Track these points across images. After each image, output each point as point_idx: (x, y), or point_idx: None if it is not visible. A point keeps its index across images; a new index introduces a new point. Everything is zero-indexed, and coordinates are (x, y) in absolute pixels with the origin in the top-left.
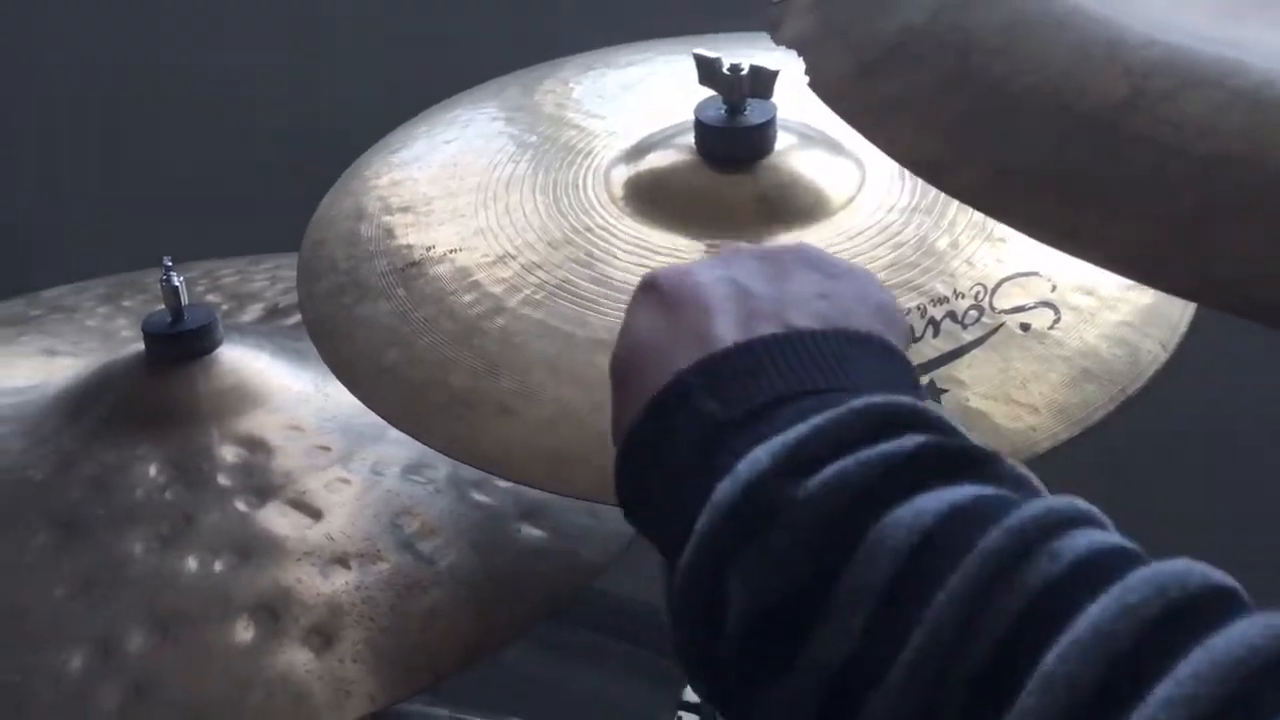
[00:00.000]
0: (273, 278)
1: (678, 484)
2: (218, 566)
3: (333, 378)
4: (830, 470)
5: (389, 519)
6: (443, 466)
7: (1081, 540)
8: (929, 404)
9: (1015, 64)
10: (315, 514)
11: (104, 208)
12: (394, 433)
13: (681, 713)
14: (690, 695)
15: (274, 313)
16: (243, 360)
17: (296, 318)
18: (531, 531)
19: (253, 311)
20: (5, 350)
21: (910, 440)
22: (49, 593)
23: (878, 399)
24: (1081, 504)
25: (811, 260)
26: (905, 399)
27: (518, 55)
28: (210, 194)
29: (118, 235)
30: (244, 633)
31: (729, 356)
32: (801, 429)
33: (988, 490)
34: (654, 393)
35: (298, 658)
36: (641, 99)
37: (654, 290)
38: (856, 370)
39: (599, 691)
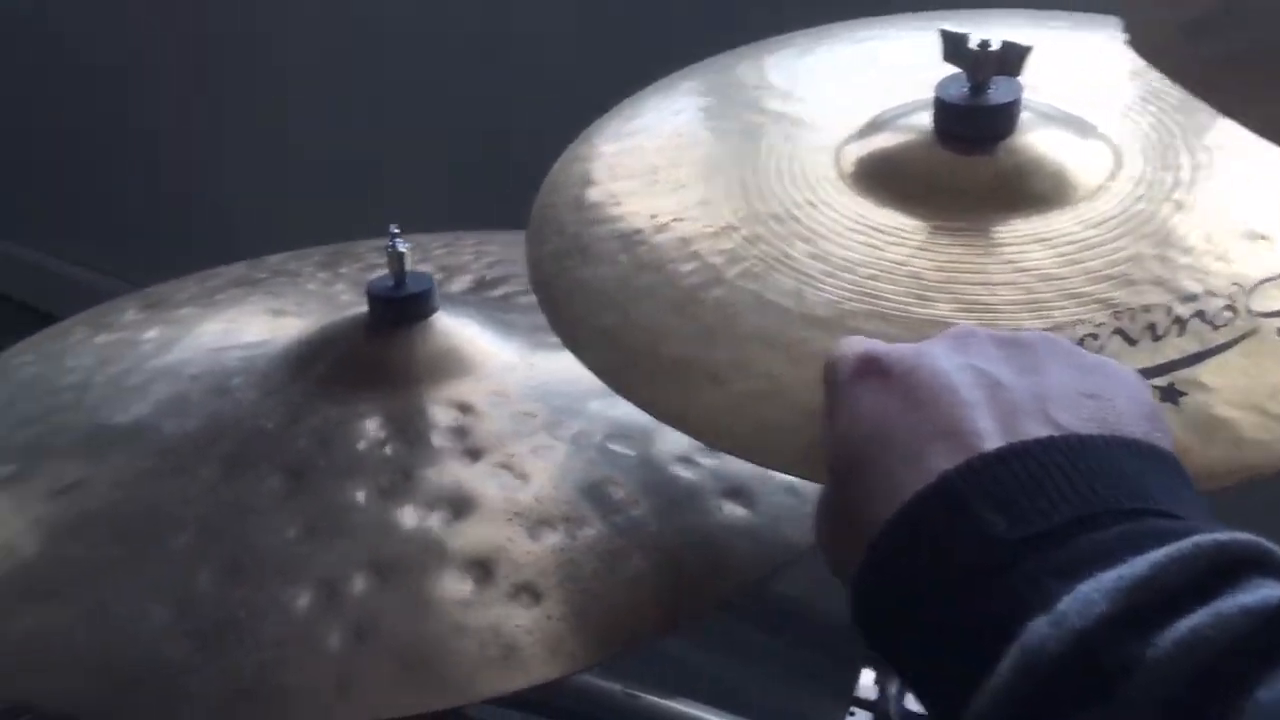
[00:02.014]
0: (478, 252)
1: (948, 608)
2: (433, 521)
3: (538, 349)
4: (1184, 625)
5: (592, 486)
6: (644, 439)
7: None
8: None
9: None
10: (523, 477)
11: (302, 185)
12: (595, 403)
13: (854, 709)
14: (864, 692)
15: (481, 285)
16: (455, 327)
17: (502, 290)
18: (734, 509)
19: (461, 282)
20: (237, 309)
21: (1270, 591)
22: (279, 535)
23: (1223, 536)
24: None
25: (1062, 351)
26: (1248, 536)
27: (744, 30)
28: (406, 174)
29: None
30: (457, 585)
31: (1005, 460)
32: (1139, 568)
33: None
34: (909, 494)
35: (508, 612)
36: (872, 75)
37: (880, 372)
38: (1153, 487)
39: (767, 687)
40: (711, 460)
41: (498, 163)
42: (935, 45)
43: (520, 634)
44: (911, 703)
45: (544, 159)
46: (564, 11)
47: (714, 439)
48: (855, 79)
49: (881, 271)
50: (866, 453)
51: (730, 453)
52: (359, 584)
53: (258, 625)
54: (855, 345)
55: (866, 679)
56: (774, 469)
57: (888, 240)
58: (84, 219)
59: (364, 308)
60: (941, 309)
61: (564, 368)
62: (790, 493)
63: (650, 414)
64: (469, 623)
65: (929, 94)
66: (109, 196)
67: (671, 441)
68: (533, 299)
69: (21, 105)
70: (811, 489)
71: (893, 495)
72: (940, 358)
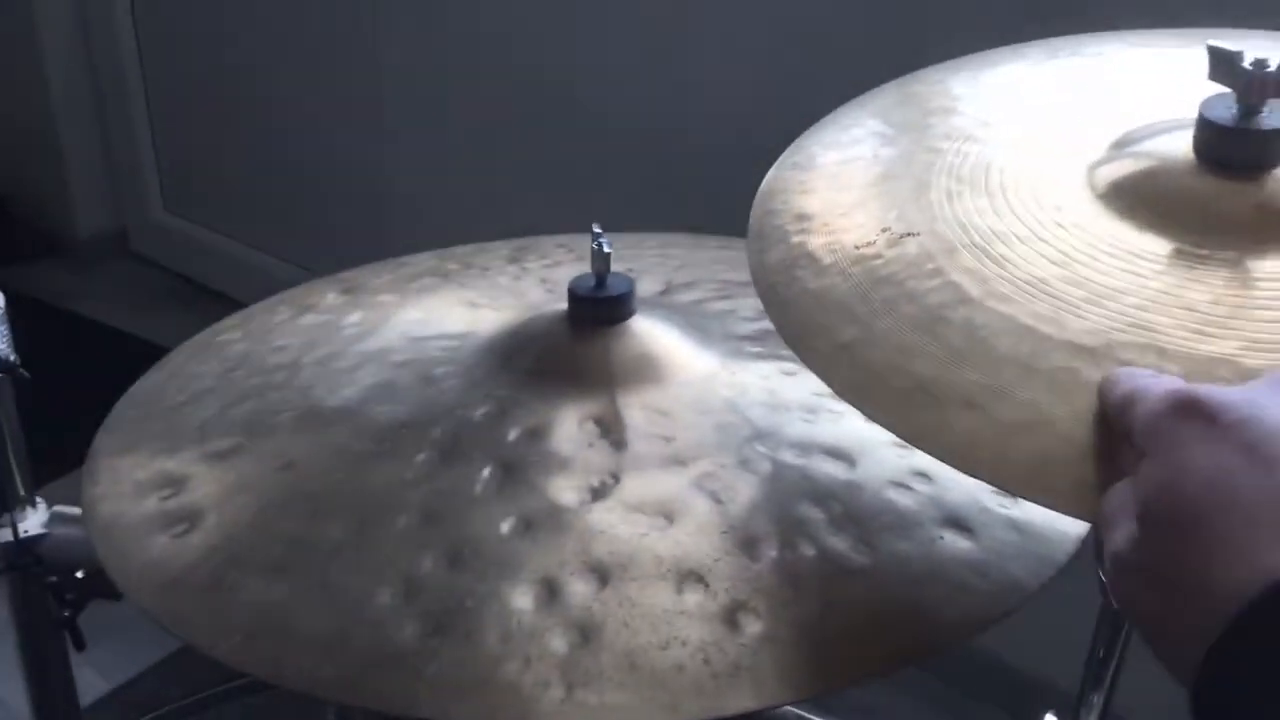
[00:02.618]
0: (662, 255)
1: None
2: (645, 527)
3: (735, 357)
4: None
5: (803, 505)
6: (853, 458)
7: None
8: None
9: None
10: (730, 489)
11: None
12: (799, 418)
13: None
14: None
15: (670, 288)
16: (654, 331)
17: (693, 295)
18: (956, 541)
19: (649, 285)
20: (433, 298)
21: None
22: (494, 527)
23: None
24: None
25: None
26: None
27: (950, 42)
28: (567, 176)
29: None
30: (674, 596)
31: None
32: None
33: None
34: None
35: (726, 629)
36: (1124, 92)
37: (1205, 417)
38: None
39: None
40: (926, 485)
41: (665, 164)
42: (1158, 61)
43: (744, 654)
44: None
45: (713, 163)
46: (748, 19)
47: (977, 469)
48: (1084, 96)
49: (1150, 301)
50: (1200, 510)
51: (996, 484)
52: (579, 585)
53: (484, 617)
54: (1159, 383)
55: None
56: (1046, 505)
57: (1152, 268)
58: (264, 209)
59: (562, 304)
60: (1226, 346)
61: (763, 378)
62: (1015, 529)
63: (899, 435)
64: (682, 634)
65: (1161, 113)
66: (281, 189)
67: (882, 463)
68: (726, 305)
69: (217, 110)
70: (1039, 526)
71: (1244, 565)
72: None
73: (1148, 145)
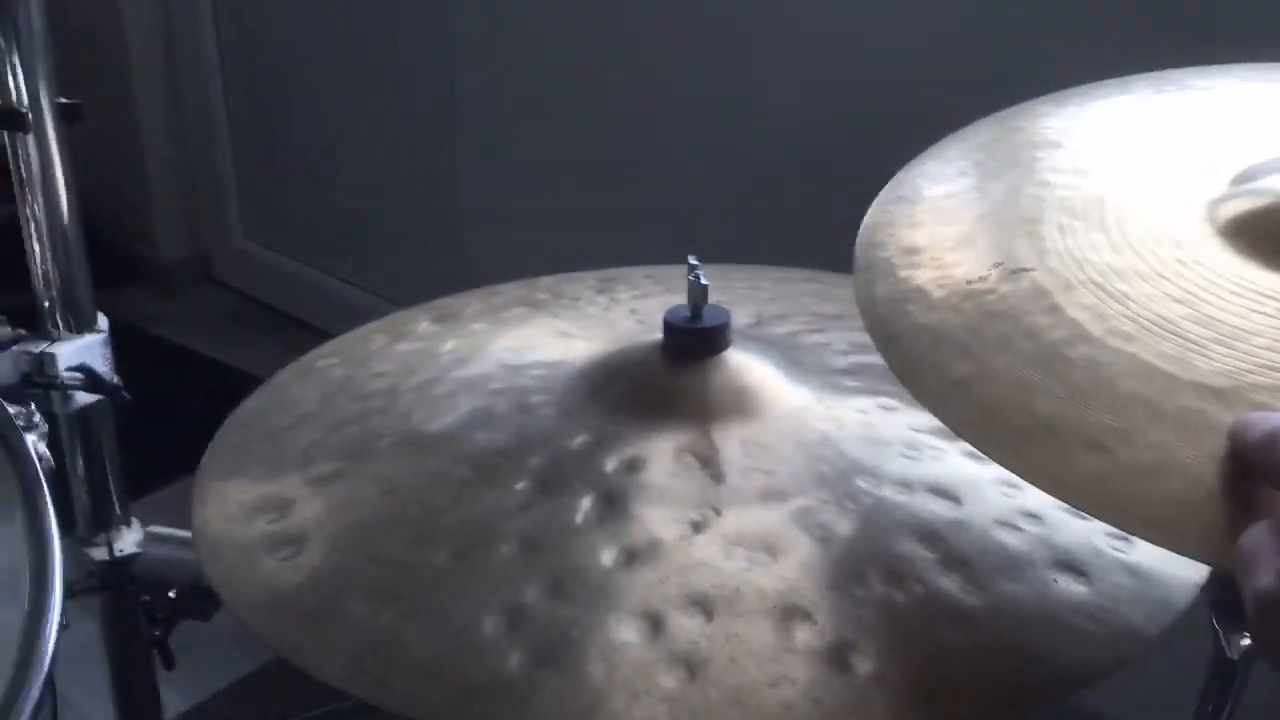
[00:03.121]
0: (751, 288)
1: None
2: (745, 562)
3: (830, 391)
4: None
5: (910, 541)
6: (958, 497)
7: None
8: None
9: None
10: (830, 526)
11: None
12: (898, 454)
13: None
14: None
15: (762, 320)
16: (749, 363)
17: (786, 327)
18: (1070, 584)
19: (741, 317)
20: (525, 328)
21: None
22: (596, 558)
23: None
24: None
25: None
26: None
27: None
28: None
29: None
30: (776, 631)
31: None
32: None
33: None
34: None
35: (829, 669)
36: (1237, 126)
37: None
38: None
39: None
40: (1036, 526)
41: (740, 196)
42: (1271, 94)
43: (854, 695)
44: None
45: (789, 195)
46: (829, 49)
47: (1103, 511)
48: (1196, 130)
49: (1279, 342)
50: None
51: (1123, 528)
52: (683, 620)
53: (588, 648)
54: None
55: None
56: (1176, 550)
57: (1277, 307)
58: (343, 237)
59: (656, 335)
60: None
61: (860, 413)
62: (1130, 574)
63: (1019, 475)
64: (798, 676)
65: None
66: (359, 217)
67: (988, 502)
68: (819, 338)
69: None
70: (1156, 571)
71: None
72: None
73: (1269, 181)
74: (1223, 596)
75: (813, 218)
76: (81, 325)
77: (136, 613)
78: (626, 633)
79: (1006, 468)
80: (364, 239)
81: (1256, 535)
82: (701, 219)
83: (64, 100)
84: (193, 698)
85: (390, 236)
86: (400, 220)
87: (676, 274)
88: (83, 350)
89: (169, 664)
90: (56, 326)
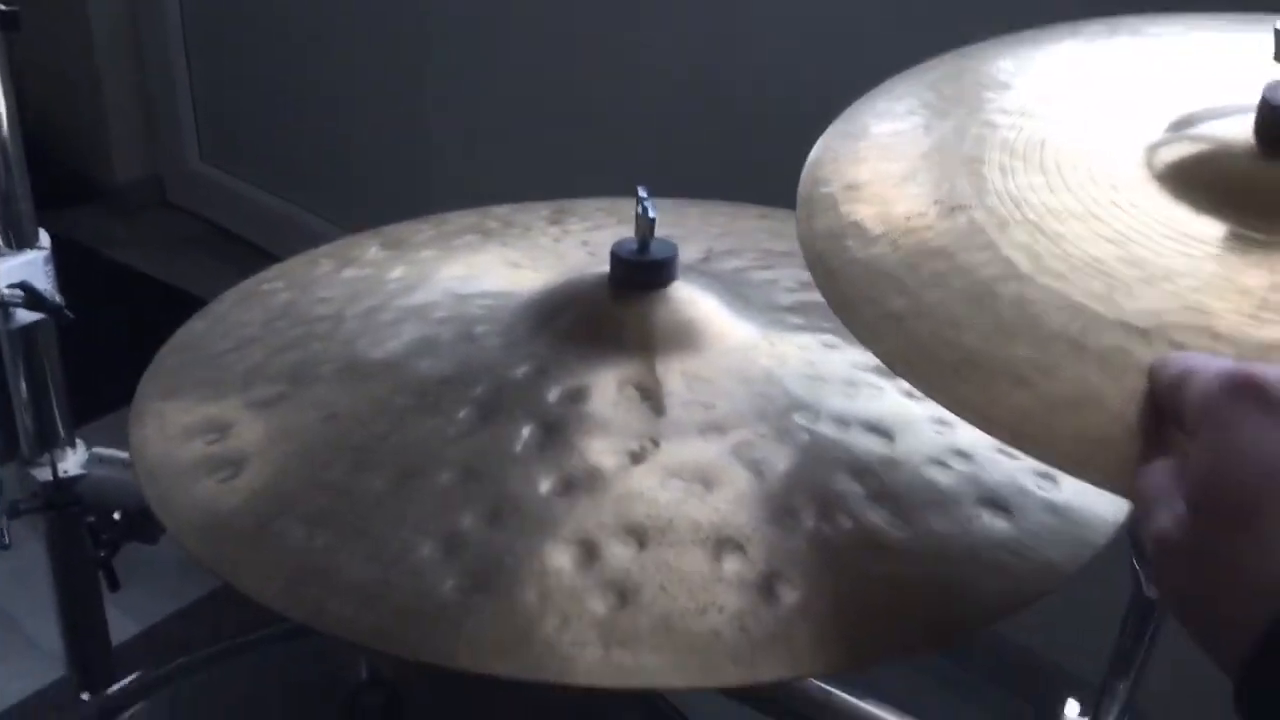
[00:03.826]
0: (704, 222)
1: None
2: (682, 493)
3: (775, 328)
4: None
5: (844, 476)
6: (891, 434)
7: None
8: None
9: None
10: (768, 460)
11: (507, 144)
12: (838, 392)
13: None
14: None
15: (711, 256)
16: (695, 297)
17: (734, 263)
18: (993, 521)
19: (690, 252)
20: (474, 256)
21: None
22: (534, 486)
23: None
24: None
25: None
26: None
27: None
28: (608, 141)
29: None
30: (711, 563)
31: None
32: None
33: None
34: None
35: (763, 599)
36: (1184, 74)
37: (1268, 403)
38: None
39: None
40: (965, 464)
41: (706, 133)
42: (1220, 43)
43: (781, 624)
44: None
45: (755, 133)
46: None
47: (1024, 443)
48: (1144, 76)
49: (1205, 284)
50: (1259, 498)
51: (1044, 460)
52: (616, 548)
53: (522, 574)
54: (1214, 363)
55: (1072, 709)
56: (1094, 483)
57: (1209, 250)
58: (301, 163)
59: (603, 267)
60: None
61: (803, 350)
62: (1053, 512)
63: (947, 407)
64: (727, 604)
65: (1222, 96)
66: (318, 143)
67: (921, 440)
68: (768, 275)
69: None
70: (1077, 510)
71: None
72: None
73: (1208, 128)
74: (1141, 536)
75: (776, 156)
76: (22, 241)
77: (81, 534)
78: (560, 559)
79: (936, 401)
80: (324, 164)
81: (1156, 477)
82: (669, 155)
83: (2, 7)
84: (143, 622)
85: (350, 163)
86: (361, 146)
87: (630, 207)
88: (23, 267)
89: (114, 585)
90: None
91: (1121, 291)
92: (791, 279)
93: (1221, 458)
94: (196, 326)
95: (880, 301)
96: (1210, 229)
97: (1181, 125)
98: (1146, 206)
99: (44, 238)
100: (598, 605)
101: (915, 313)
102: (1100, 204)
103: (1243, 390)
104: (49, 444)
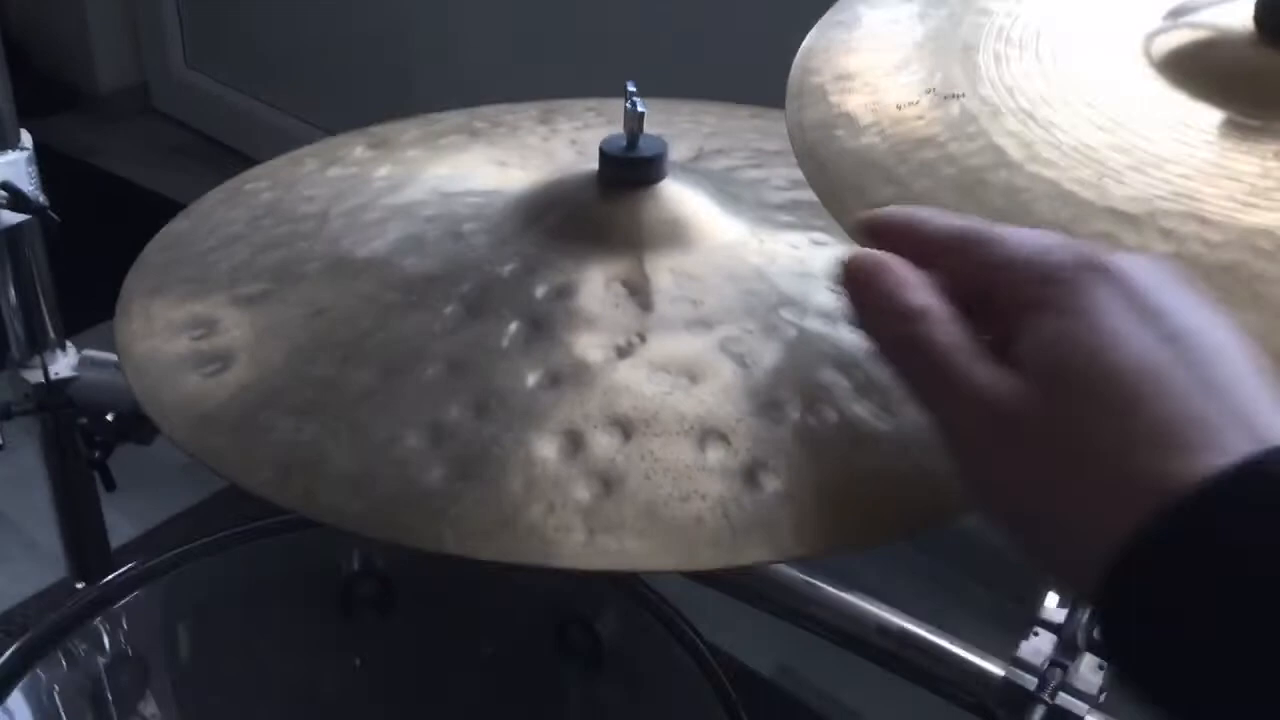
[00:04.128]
0: (694, 121)
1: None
2: (668, 386)
3: (765, 225)
4: None
5: (830, 370)
6: None
7: None
8: None
9: None
10: (755, 354)
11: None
12: (828, 288)
13: (1038, 629)
14: (1048, 614)
15: (701, 155)
16: (684, 195)
17: (725, 162)
18: None
19: (681, 150)
20: (461, 155)
21: None
22: (521, 380)
23: None
24: None
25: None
26: None
27: None
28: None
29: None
30: (695, 453)
31: None
32: None
33: None
34: (1235, 454)
35: (744, 487)
36: None
37: (1127, 294)
38: None
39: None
40: None
41: (697, 32)
42: None
43: (762, 510)
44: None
45: (769, 33)
46: None
47: None
48: None
49: (1196, 170)
50: (1127, 388)
51: None
52: (602, 439)
53: (508, 464)
54: (1078, 243)
55: (1051, 600)
56: None
57: (1202, 137)
58: (288, 69)
59: (592, 165)
60: (1271, 218)
61: (793, 247)
62: None
63: None
64: (710, 491)
65: None
66: (306, 49)
67: None
68: (758, 173)
69: None
70: None
71: (1179, 456)
72: (1198, 312)
73: (1206, 15)
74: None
75: (770, 56)
76: (3, 143)
77: (75, 436)
78: (546, 450)
79: None
80: (311, 71)
81: (950, 326)
82: (660, 57)
83: None
84: (143, 527)
85: (338, 69)
86: (347, 52)
87: (620, 108)
88: (6, 168)
89: (109, 485)
90: None
91: (1111, 178)
92: (783, 178)
93: (1084, 328)
94: (180, 225)
95: (867, 191)
96: (1206, 116)
97: (1180, 12)
98: (1142, 95)
99: (26, 138)
100: (583, 493)
101: (903, 202)
102: (1095, 92)
103: (1101, 272)
104: (39, 346)
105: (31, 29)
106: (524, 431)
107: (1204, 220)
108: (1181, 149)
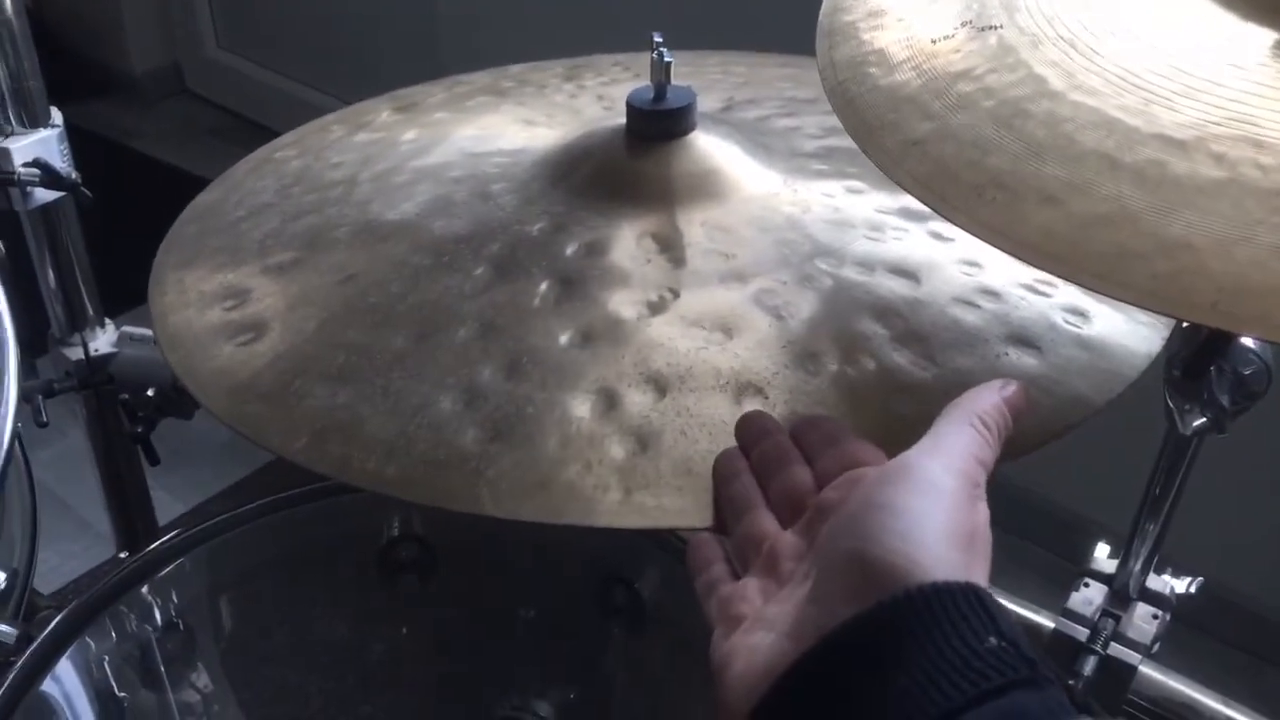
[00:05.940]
0: (724, 71)
1: None
2: (703, 340)
3: (798, 174)
4: None
5: (868, 319)
6: (918, 275)
7: None
8: None
9: None
10: (791, 305)
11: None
12: (862, 235)
13: (1088, 580)
14: (1099, 564)
15: (732, 105)
16: (715, 146)
17: (756, 112)
18: (1021, 357)
19: (711, 101)
20: (489, 116)
21: None
22: (554, 339)
23: None
24: None
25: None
26: None
27: None
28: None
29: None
30: (732, 407)
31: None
32: None
33: None
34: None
35: None
36: None
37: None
38: None
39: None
40: (993, 303)
41: None
42: None
43: None
44: (1153, 580)
45: None
46: None
47: (1049, 263)
48: None
49: (1248, 93)
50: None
51: (1069, 278)
52: (637, 396)
53: (544, 423)
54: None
55: (1101, 552)
56: (1120, 299)
57: (1254, 59)
58: (317, 46)
59: (620, 120)
60: None
61: (827, 196)
62: (1083, 347)
63: (972, 233)
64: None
65: None
66: (335, 26)
67: (948, 281)
68: (790, 122)
69: None
70: (1109, 344)
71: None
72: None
73: None
74: (1176, 374)
75: (800, 5)
76: (34, 121)
77: (117, 411)
78: (580, 408)
79: (958, 226)
80: (341, 48)
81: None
82: (687, 9)
83: None
84: (188, 505)
85: (368, 44)
86: (375, 27)
87: (647, 62)
88: (38, 145)
89: (153, 459)
90: (9, 122)
91: (1160, 104)
92: (815, 125)
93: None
94: (211, 196)
95: (902, 128)
96: (1256, 37)
97: None
98: (1190, 18)
99: (56, 115)
100: (618, 451)
101: (939, 137)
102: (1139, 17)
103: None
104: (79, 324)
105: (66, 14)
106: (558, 391)
107: (1259, 144)
108: (1232, 71)
